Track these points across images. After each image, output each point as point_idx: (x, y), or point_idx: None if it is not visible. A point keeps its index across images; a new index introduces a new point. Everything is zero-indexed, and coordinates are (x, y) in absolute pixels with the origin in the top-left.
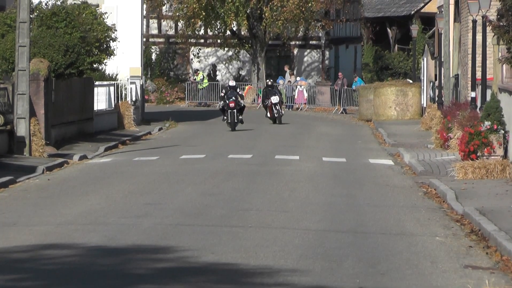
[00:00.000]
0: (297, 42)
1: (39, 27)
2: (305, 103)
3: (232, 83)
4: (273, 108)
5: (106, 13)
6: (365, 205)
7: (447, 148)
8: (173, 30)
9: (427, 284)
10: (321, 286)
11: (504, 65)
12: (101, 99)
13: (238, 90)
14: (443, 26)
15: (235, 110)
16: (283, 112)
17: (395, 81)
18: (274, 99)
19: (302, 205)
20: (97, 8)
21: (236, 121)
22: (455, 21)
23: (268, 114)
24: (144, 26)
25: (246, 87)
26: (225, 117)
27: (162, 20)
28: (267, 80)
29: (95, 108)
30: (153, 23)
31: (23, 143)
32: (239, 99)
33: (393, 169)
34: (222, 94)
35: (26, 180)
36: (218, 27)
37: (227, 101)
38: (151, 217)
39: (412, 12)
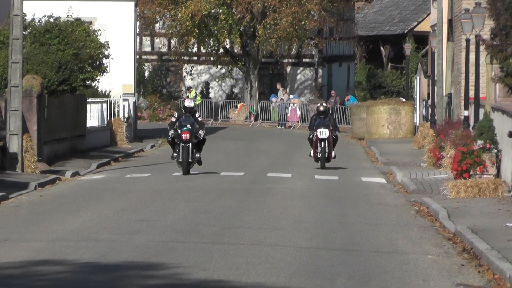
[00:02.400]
0: (290, 60)
1: (32, 43)
2: (298, 121)
3: (188, 103)
4: (318, 146)
5: (99, 30)
6: (357, 223)
7: (439, 166)
8: (166, 48)
9: None
10: None
11: (497, 84)
12: (93, 115)
13: (197, 114)
14: (436, 45)
15: (189, 145)
16: (334, 154)
17: (388, 100)
18: (322, 133)
19: (294, 223)
20: (90, 25)
21: (190, 160)
22: (448, 40)
23: (312, 153)
24: (137, 43)
25: (239, 105)
26: (175, 154)
27: (155, 38)
28: (319, 104)
29: (88, 125)
30: (146, 41)
31: (16, 160)
32: (197, 128)
33: (385, 187)
34: (173, 120)
35: (18, 196)
36: (211, 44)
37: (179, 131)
38: (143, 233)
39: (406, 31)
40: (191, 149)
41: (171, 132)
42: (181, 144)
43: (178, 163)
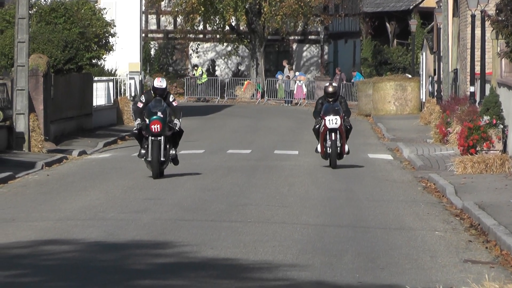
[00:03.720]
0: (296, 37)
1: (38, 23)
2: (304, 98)
3: (159, 82)
4: (327, 138)
5: (105, 8)
6: (365, 200)
7: (446, 142)
8: (172, 26)
9: (426, 279)
10: (321, 281)
11: (503, 60)
12: (100, 94)
13: (171, 98)
14: (442, 20)
15: (161, 138)
16: (347, 148)
17: (394, 76)
18: (332, 121)
19: (301, 200)
20: (95, 4)
21: (163, 159)
22: (454, 15)
23: (319, 148)
24: (143, 22)
25: (245, 82)
26: (142, 151)
27: (161, 16)
28: (328, 84)
29: (94, 104)
30: (152, 19)
31: (22, 139)
32: (171, 115)
33: (392, 164)
34: (140, 105)
35: (25, 176)
36: (217, 22)
37: (148, 121)
38: (150, 212)
39: (411, 7)
40: (163, 144)
41: (137, 122)
42: (150, 137)
43: (147, 163)
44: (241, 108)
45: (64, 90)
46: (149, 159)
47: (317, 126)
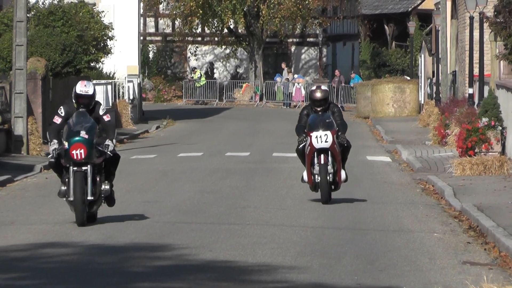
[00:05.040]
0: (295, 40)
1: (36, 26)
2: (303, 101)
3: (82, 87)
4: (315, 162)
5: (103, 11)
6: (363, 202)
7: (444, 144)
8: (170, 28)
9: (425, 281)
10: (319, 283)
11: (501, 62)
12: (98, 97)
13: (101, 110)
14: (440, 23)
15: (87, 168)
16: (344, 174)
17: (392, 78)
18: (321, 139)
19: (300, 202)
20: (94, 7)
21: (90, 197)
22: (452, 17)
23: (305, 176)
24: (141, 25)
25: (244, 85)
26: (63, 188)
27: (159, 19)
28: (315, 88)
29: None
30: (150, 22)
31: (21, 142)
32: (102, 135)
33: (390, 166)
34: (57, 120)
35: (24, 179)
36: (215, 25)
37: (67, 144)
38: (149, 215)
39: (409, 9)
40: (90, 177)
41: (53, 146)
42: (71, 168)
43: (69, 204)
44: (240, 110)
45: (63, 93)
46: (71, 198)
47: (300, 146)
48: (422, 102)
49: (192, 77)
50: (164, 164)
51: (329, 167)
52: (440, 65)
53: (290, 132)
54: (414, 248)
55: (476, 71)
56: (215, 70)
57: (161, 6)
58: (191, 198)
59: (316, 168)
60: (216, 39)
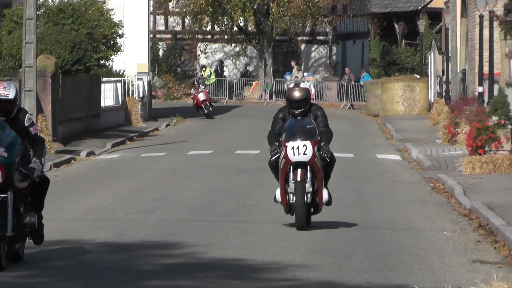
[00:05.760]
0: (304, 38)
1: (45, 23)
2: (313, 99)
3: (1, 91)
4: (290, 179)
5: (112, 9)
6: (373, 200)
7: (454, 143)
8: (180, 26)
9: (435, 279)
10: (329, 281)
11: (511, 60)
12: (108, 95)
13: (26, 120)
14: (450, 21)
15: (6, 196)
16: (327, 196)
17: (402, 76)
18: (298, 150)
19: None
20: (103, 5)
21: (9, 233)
22: (462, 16)
23: (278, 195)
24: (151, 22)
25: (254, 83)
26: None
27: (169, 16)
28: (292, 86)
29: (102, 105)
30: (160, 19)
31: None
32: (26, 153)
33: (400, 164)
34: None
35: None
36: (225, 23)
37: None
38: (158, 213)
39: (419, 7)
40: (10, 207)
41: None
42: None
43: None
44: (250, 108)
45: (72, 91)
46: None
47: (274, 158)
48: (432, 101)
49: (202, 75)
50: (174, 162)
51: (307, 185)
52: (450, 64)
53: None
54: (424, 246)
55: (486, 69)
56: (224, 68)
57: (170, 3)
58: (201, 196)
59: (291, 185)
60: (226, 37)
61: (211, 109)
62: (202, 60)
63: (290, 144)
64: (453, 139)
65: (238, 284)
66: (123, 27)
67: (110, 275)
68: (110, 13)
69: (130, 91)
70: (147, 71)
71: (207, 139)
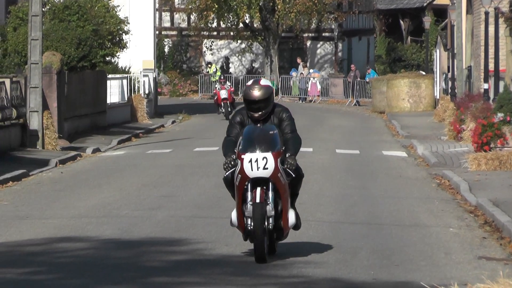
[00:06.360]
0: (310, 34)
1: (51, 20)
2: (318, 95)
3: None
4: (248, 200)
5: (118, 6)
6: (379, 197)
7: (460, 139)
8: (186, 23)
9: (441, 275)
10: (335, 278)
11: None
12: (114, 92)
13: None
14: (455, 18)
15: None
16: (293, 218)
17: (408, 73)
18: (256, 163)
19: (315, 197)
20: (109, 1)
21: None
22: (467, 12)
23: (234, 217)
24: (157, 19)
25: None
26: None
27: (174, 13)
28: (251, 83)
29: (108, 101)
30: (166, 16)
31: (36, 136)
32: None
33: (406, 161)
34: None
35: (39, 173)
36: (231, 19)
37: None
38: (164, 209)
39: (425, 4)
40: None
41: None
42: None
43: None
44: None
45: (78, 87)
46: None
47: (226, 173)
48: (438, 97)
49: (208, 72)
50: (180, 158)
51: (268, 208)
52: (455, 60)
53: (306, 127)
54: (430, 243)
55: (491, 66)
56: (230, 65)
57: (176, 0)
58: (207, 192)
59: (249, 207)
60: (231, 33)
61: (229, 109)
62: (208, 57)
63: (247, 157)
64: (458, 136)
65: (244, 280)
66: (129, 23)
67: (116, 272)
68: (116, 9)
69: (136, 87)
70: (153, 67)
71: (213, 136)
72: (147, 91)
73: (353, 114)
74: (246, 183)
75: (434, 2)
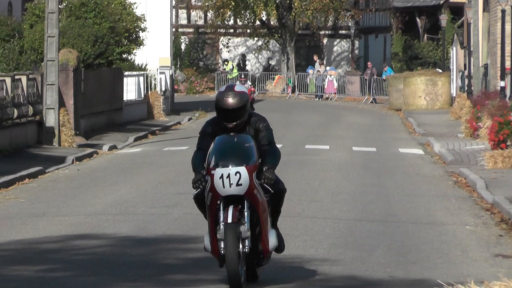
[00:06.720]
0: (327, 32)
1: (68, 17)
2: (335, 93)
3: None
4: (221, 221)
5: (135, 3)
6: (396, 195)
7: (476, 137)
8: (203, 20)
9: (457, 273)
10: (352, 275)
11: None
12: (130, 89)
13: None
14: (472, 15)
15: None
16: (273, 241)
17: (424, 71)
18: (229, 179)
19: (332, 195)
20: None
21: None
22: (484, 10)
23: (207, 242)
24: (173, 16)
25: (276, 77)
26: None
27: (191, 10)
28: (225, 90)
29: (125, 98)
30: (182, 13)
31: (52, 134)
32: None
33: (423, 158)
34: None
35: (56, 171)
36: (248, 17)
37: None
38: (181, 206)
39: (441, 2)
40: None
41: None
42: None
43: None
44: (272, 102)
45: (95, 84)
46: None
47: (196, 191)
48: (454, 95)
49: (224, 69)
50: None
51: (243, 228)
52: (472, 58)
53: (323, 124)
54: (446, 240)
55: (508, 64)
56: (247, 62)
57: None
58: None
59: (221, 229)
60: (248, 31)
61: None
62: (225, 54)
63: (217, 172)
64: (475, 134)
65: (261, 278)
66: (145, 21)
67: (132, 269)
68: (132, 7)
69: (153, 85)
70: (170, 65)
71: None
72: (163, 89)
73: (370, 112)
74: (219, 202)
75: (451, 0)
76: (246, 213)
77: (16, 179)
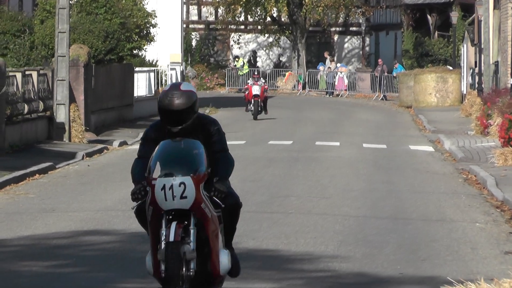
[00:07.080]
0: (338, 29)
1: (78, 13)
2: (346, 90)
3: None
4: (162, 238)
5: None
6: (406, 192)
7: (487, 134)
8: (213, 17)
9: (467, 271)
10: (362, 272)
11: None
12: (141, 85)
13: None
14: (482, 13)
15: None
16: (227, 261)
17: (435, 68)
18: (172, 192)
19: (342, 192)
20: None
21: None
22: (494, 8)
23: (148, 262)
24: (184, 12)
25: (287, 73)
26: None
27: (202, 6)
28: (169, 90)
29: (135, 94)
30: (193, 9)
31: (63, 129)
32: None
33: (433, 155)
34: None
35: (66, 166)
36: (258, 13)
37: None
38: None
39: None
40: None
41: None
42: None
43: None
44: (283, 99)
45: (105, 80)
46: None
47: (138, 203)
48: (465, 92)
49: (235, 65)
50: None
51: (187, 248)
52: (482, 55)
53: (333, 121)
54: (456, 238)
55: None
56: (258, 59)
57: None
58: (234, 186)
59: (162, 248)
60: (259, 27)
61: (259, 109)
62: (235, 51)
63: (159, 182)
64: (485, 131)
65: (271, 274)
66: (156, 17)
67: (142, 265)
68: (143, 2)
69: (163, 81)
70: (180, 61)
71: (240, 130)
72: None
73: (380, 109)
74: (161, 216)
75: None
76: (192, 231)
77: (27, 175)
